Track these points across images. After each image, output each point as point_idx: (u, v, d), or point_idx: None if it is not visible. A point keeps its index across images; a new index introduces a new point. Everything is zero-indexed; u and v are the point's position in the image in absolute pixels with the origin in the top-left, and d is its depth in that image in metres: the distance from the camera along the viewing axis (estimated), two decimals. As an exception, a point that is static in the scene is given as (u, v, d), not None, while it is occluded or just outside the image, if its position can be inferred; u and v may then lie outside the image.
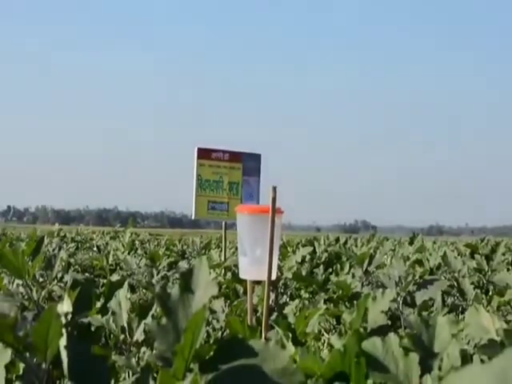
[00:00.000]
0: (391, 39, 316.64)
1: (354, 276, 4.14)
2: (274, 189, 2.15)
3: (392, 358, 1.24)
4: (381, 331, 1.71)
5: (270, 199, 2.14)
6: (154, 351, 1.12)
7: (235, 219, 2.47)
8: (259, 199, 5.31)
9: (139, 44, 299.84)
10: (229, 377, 0.99)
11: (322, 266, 4.41)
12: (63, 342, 1.15)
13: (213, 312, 3.11)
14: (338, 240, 7.90)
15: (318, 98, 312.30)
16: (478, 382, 0.53)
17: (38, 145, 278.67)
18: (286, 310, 3.00)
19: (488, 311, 1.93)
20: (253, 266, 2.34)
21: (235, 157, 5.27)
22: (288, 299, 4.04)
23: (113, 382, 1.19)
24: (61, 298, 2.78)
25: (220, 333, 3.04)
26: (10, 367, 1.67)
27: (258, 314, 3.02)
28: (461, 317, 3.24)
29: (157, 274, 4.50)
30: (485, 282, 4.28)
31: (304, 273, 4.25)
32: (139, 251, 7.67)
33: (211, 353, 1.03)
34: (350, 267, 4.31)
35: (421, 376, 1.21)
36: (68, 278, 3.13)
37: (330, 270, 4.27)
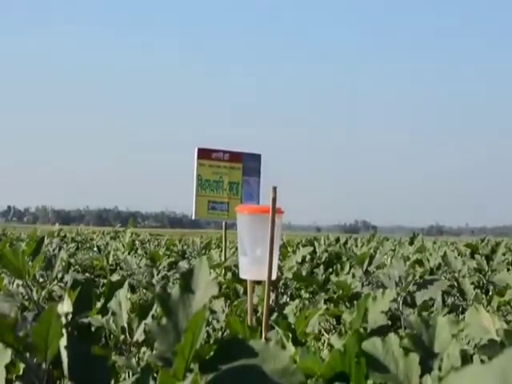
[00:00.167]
0: (390, 40, 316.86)
1: (354, 276, 4.14)
2: (274, 189, 2.15)
3: (392, 358, 1.24)
4: (381, 331, 1.71)
5: (270, 199, 2.14)
6: (154, 351, 1.12)
7: (235, 219, 2.47)
8: (259, 199, 5.31)
9: (139, 44, 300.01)
10: (229, 377, 0.99)
11: (322, 266, 4.41)
12: (63, 342, 1.15)
13: (213, 312, 3.12)
14: (338, 240, 7.90)
15: (318, 97, 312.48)
16: (478, 382, 0.53)
17: (38, 145, 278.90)
18: (286, 310, 3.00)
19: (488, 311, 1.93)
20: (253, 265, 2.34)
21: (235, 157, 5.27)
22: (288, 299, 4.04)
23: (113, 382, 1.19)
24: (61, 298, 2.78)
25: (220, 333, 3.04)
26: (10, 367, 1.67)
27: (258, 314, 3.02)
28: (461, 317, 3.24)
29: (157, 274, 4.50)
30: (485, 282, 4.28)
31: (304, 273, 4.26)
32: (139, 251, 7.66)
33: (211, 353, 1.04)
34: (350, 267, 4.31)
35: (421, 376, 1.21)
36: (68, 278, 3.13)
37: (330, 270, 4.27)
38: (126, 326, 2.15)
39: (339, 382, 1.27)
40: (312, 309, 2.33)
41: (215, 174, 5.17)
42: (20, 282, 2.84)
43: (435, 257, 4.90)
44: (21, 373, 1.71)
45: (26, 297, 2.58)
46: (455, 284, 3.71)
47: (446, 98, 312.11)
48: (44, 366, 1.19)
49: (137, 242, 9.40)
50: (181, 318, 1.11)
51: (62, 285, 3.12)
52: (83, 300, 1.99)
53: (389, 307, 2.63)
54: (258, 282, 3.19)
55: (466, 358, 1.71)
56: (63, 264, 3.83)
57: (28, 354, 1.20)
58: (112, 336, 2.35)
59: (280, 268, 4.05)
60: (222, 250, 5.24)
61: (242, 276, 2.44)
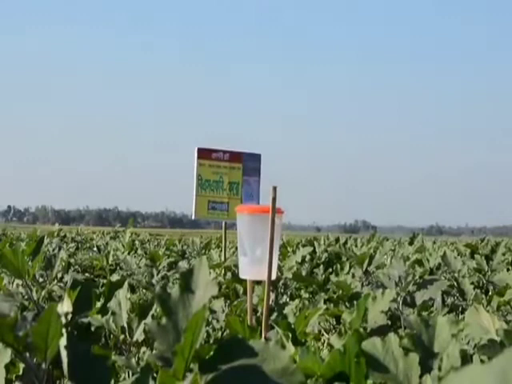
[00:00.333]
0: (391, 41, 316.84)
1: (353, 276, 4.14)
2: (274, 189, 2.15)
3: (392, 358, 1.24)
4: (381, 331, 1.71)
5: (270, 199, 2.14)
6: (154, 351, 1.12)
7: (235, 219, 2.47)
8: (259, 199, 5.31)
9: (140, 44, 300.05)
10: (229, 377, 0.99)
11: (321, 266, 4.41)
12: (63, 342, 1.15)
13: (213, 312, 3.12)
14: (337, 240, 7.89)
15: (318, 97, 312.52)
16: (477, 382, 0.53)
17: (38, 145, 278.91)
18: (286, 310, 3.00)
19: (488, 311, 1.93)
20: (253, 265, 2.34)
21: (235, 157, 5.27)
22: (288, 299, 4.04)
23: (113, 382, 1.19)
24: (61, 298, 2.78)
25: (220, 333, 3.04)
26: (9, 367, 1.68)
27: (257, 314, 3.02)
28: (461, 317, 3.24)
29: (157, 274, 4.50)
30: (485, 282, 4.28)
31: (304, 273, 4.26)
32: (139, 251, 7.66)
33: (211, 353, 1.03)
34: (350, 267, 4.31)
35: (421, 376, 1.21)
36: (68, 278, 3.13)
37: (330, 270, 4.27)
38: (125, 325, 2.15)
39: (339, 382, 1.27)
40: (312, 309, 2.33)
41: (215, 174, 5.17)
42: (20, 282, 2.84)
43: (435, 257, 4.90)
44: (20, 373, 1.71)
45: (26, 297, 2.58)
46: (455, 284, 3.71)
47: (446, 98, 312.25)
48: (44, 365, 1.19)
49: (137, 242, 9.40)
50: (180, 317, 1.11)
51: (62, 285, 3.12)
52: (83, 300, 1.99)
53: (388, 307, 2.63)
54: (258, 282, 3.19)
55: (466, 358, 1.71)
56: (63, 264, 3.83)
57: (28, 354, 1.20)
58: (112, 336, 2.35)
59: (280, 268, 4.05)
60: (221, 250, 5.24)
61: (242, 276, 2.44)
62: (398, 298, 3.09)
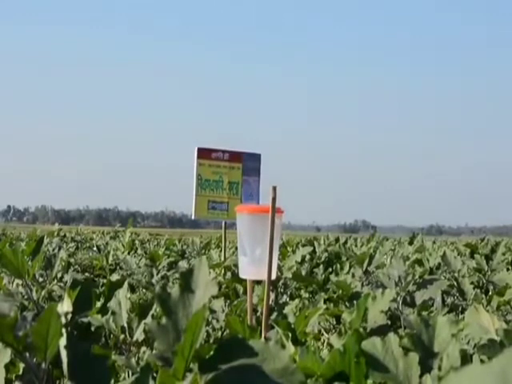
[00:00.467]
0: (391, 41, 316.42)
1: (353, 276, 4.14)
2: (274, 189, 2.14)
3: (392, 357, 1.24)
4: (381, 331, 1.71)
5: (270, 199, 2.14)
6: (154, 351, 1.12)
7: (235, 219, 2.47)
8: (259, 199, 5.31)
9: (140, 44, 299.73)
10: (229, 377, 0.99)
11: (321, 266, 4.41)
12: (63, 341, 1.15)
13: (213, 312, 3.11)
14: (337, 240, 7.90)
15: (318, 97, 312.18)
16: (477, 381, 0.53)
17: (38, 144, 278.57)
18: (286, 310, 3.00)
19: (488, 311, 1.93)
20: (253, 265, 2.34)
21: (235, 156, 5.27)
22: (288, 299, 4.04)
23: (113, 381, 1.18)
24: (61, 297, 2.78)
25: (220, 332, 3.04)
26: (9, 367, 1.68)
27: (257, 314, 3.02)
28: (461, 317, 3.24)
29: (157, 274, 4.50)
30: (484, 281, 4.28)
31: (304, 272, 4.26)
32: (139, 251, 7.66)
33: (211, 352, 1.03)
34: (350, 267, 4.31)
35: (420, 376, 1.21)
36: (68, 277, 3.13)
37: (330, 269, 4.27)
38: (125, 325, 2.15)
39: (339, 382, 1.27)
40: (312, 308, 2.33)
41: (215, 174, 5.17)
42: (20, 282, 2.84)
43: (435, 256, 4.90)
44: (20, 372, 1.71)
45: (26, 296, 2.58)
46: (455, 284, 3.71)
47: (446, 98, 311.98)
48: (44, 365, 1.19)
49: (136, 242, 9.40)
50: (180, 317, 1.11)
51: (62, 284, 3.12)
52: (83, 300, 1.99)
53: (388, 307, 2.63)
54: (258, 282, 3.19)
55: (466, 358, 1.71)
56: (63, 264, 3.83)
57: (28, 354, 1.20)
58: (112, 335, 2.35)
59: (280, 268, 4.05)
60: (221, 250, 5.24)
61: (242, 276, 2.44)
62: (398, 298, 3.09)
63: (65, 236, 11.59)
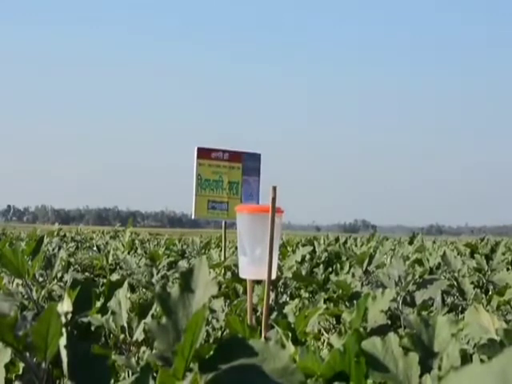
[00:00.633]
0: (391, 41, 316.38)
1: (353, 275, 4.14)
2: (274, 188, 2.14)
3: (392, 357, 1.24)
4: (380, 331, 1.71)
5: (270, 199, 2.14)
6: (154, 351, 1.12)
7: (235, 219, 2.47)
8: (259, 199, 5.31)
9: (140, 44, 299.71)
10: (229, 376, 0.99)
11: (321, 266, 4.41)
12: (63, 341, 1.15)
13: (213, 311, 3.11)
14: (337, 239, 7.90)
15: (318, 97, 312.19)
16: (477, 381, 0.53)
17: (38, 144, 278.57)
18: (286, 310, 3.00)
19: (488, 311, 1.93)
20: (253, 265, 2.34)
21: (235, 156, 5.27)
22: (288, 299, 4.04)
23: (113, 381, 1.18)
24: (61, 297, 2.78)
25: (220, 332, 3.04)
26: (9, 367, 1.68)
27: (257, 314, 3.02)
28: (460, 316, 3.24)
29: (157, 274, 4.50)
30: (484, 281, 4.28)
31: (304, 272, 4.25)
32: (139, 251, 7.66)
33: (211, 352, 1.03)
34: (350, 267, 4.31)
35: (420, 376, 1.21)
36: (68, 277, 3.13)
37: (330, 269, 4.27)
38: (125, 325, 2.15)
39: (339, 382, 1.27)
40: (312, 308, 2.33)
41: (215, 174, 5.17)
42: (20, 282, 2.84)
43: (435, 256, 4.90)
44: (20, 372, 1.71)
45: (26, 296, 2.58)
46: (455, 283, 3.71)
47: (446, 98, 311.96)
48: (44, 365, 1.19)
49: (136, 242, 9.40)
50: (180, 317, 1.11)
51: (62, 284, 3.12)
52: (83, 299, 1.99)
53: (388, 307, 2.63)
54: (258, 282, 3.19)
55: (466, 358, 1.71)
56: (63, 263, 3.83)
57: (28, 354, 1.20)
58: (112, 335, 2.35)
59: (280, 267, 4.05)
60: (221, 250, 5.24)
61: (242, 275, 2.44)
62: (398, 298, 3.09)
63: (65, 236, 11.60)
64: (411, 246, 6.78)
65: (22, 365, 1.70)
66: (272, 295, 3.76)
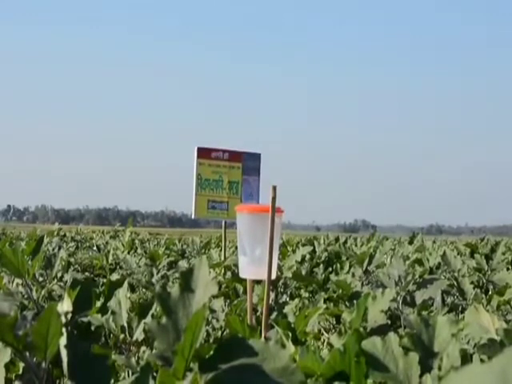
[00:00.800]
0: (391, 41, 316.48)
1: (353, 275, 4.14)
2: (274, 188, 2.14)
3: (392, 357, 1.24)
4: (381, 331, 1.71)
5: (270, 198, 2.14)
6: (154, 350, 1.12)
7: (235, 218, 2.47)
8: (259, 198, 5.31)
9: (140, 44, 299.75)
10: (229, 376, 0.99)
11: (321, 266, 4.41)
12: (63, 341, 1.15)
13: (213, 311, 3.11)
14: (337, 239, 7.90)
15: (318, 97, 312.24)
16: (477, 381, 0.53)
17: (38, 144, 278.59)
18: (286, 310, 3.00)
19: (488, 311, 1.93)
20: (253, 265, 2.34)
21: (235, 156, 5.27)
22: (288, 298, 4.04)
23: (113, 381, 1.18)
24: (61, 297, 2.78)
25: (220, 332, 3.04)
26: (9, 366, 1.68)
27: (257, 314, 3.02)
28: (461, 316, 3.24)
29: (157, 274, 4.50)
30: (484, 281, 4.28)
31: (304, 272, 4.25)
32: (139, 250, 7.66)
33: (211, 352, 1.03)
34: (350, 266, 4.31)
35: (420, 376, 1.21)
36: (68, 277, 3.13)
37: (330, 269, 4.27)
38: (125, 325, 2.15)
39: (339, 382, 1.27)
40: (312, 308, 2.33)
41: (215, 174, 5.17)
42: (20, 281, 2.84)
43: (435, 256, 4.90)
44: (20, 372, 1.71)
45: (26, 296, 2.58)
46: (455, 283, 3.71)
47: (446, 98, 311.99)
48: (44, 365, 1.19)
49: (136, 242, 9.40)
50: (180, 317, 1.11)
51: (62, 284, 3.12)
52: (83, 299, 1.99)
53: (388, 306, 2.63)
54: (258, 282, 3.19)
55: (466, 358, 1.71)
56: (63, 263, 3.83)
57: (28, 353, 1.20)
58: (112, 335, 2.35)
59: (280, 267, 4.05)
60: (221, 250, 5.24)
61: (242, 275, 2.44)
62: (398, 298, 3.09)
63: (65, 235, 11.60)
64: (411, 245, 6.79)
65: (21, 364, 1.70)
66: (272, 295, 3.76)
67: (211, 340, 2.92)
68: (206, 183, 5.13)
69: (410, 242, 7.30)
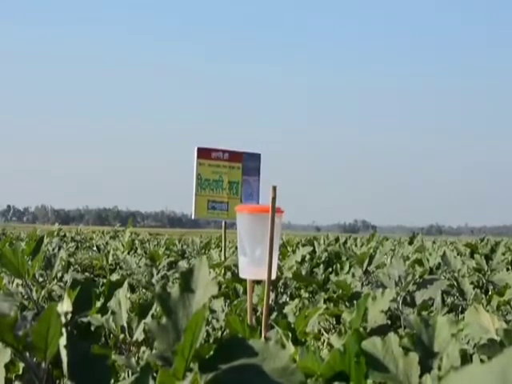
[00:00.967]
0: (391, 41, 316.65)
1: (353, 276, 4.14)
2: (274, 188, 2.14)
3: (392, 357, 1.24)
4: (381, 331, 1.71)
5: (270, 199, 2.14)
6: (154, 351, 1.12)
7: (235, 219, 2.47)
8: (259, 199, 5.31)
9: (140, 44, 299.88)
10: (229, 376, 0.99)
11: (321, 266, 4.41)
12: (63, 341, 1.15)
13: (213, 311, 3.11)
14: (337, 240, 7.90)
15: (318, 97, 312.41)
16: (477, 381, 0.53)
17: (38, 144, 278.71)
18: (286, 310, 3.00)
19: (488, 311, 1.93)
20: (253, 265, 2.34)
21: (235, 156, 5.27)
22: (288, 299, 4.04)
23: (113, 381, 1.18)
24: (61, 297, 2.78)
25: (220, 332, 3.04)
26: (9, 366, 1.68)
27: (257, 314, 3.02)
28: (460, 316, 3.24)
29: (157, 274, 4.50)
30: (484, 281, 4.28)
31: (304, 272, 4.25)
32: (139, 251, 7.66)
33: (211, 352, 1.03)
34: (350, 267, 4.31)
35: (420, 376, 1.21)
36: (68, 277, 3.13)
37: (330, 269, 4.27)
38: (125, 325, 2.15)
39: (339, 382, 1.27)
40: (312, 308, 2.33)
41: (215, 174, 5.17)
42: (20, 282, 2.84)
43: (435, 256, 4.90)
44: (20, 372, 1.71)
45: (26, 296, 2.58)
46: (455, 284, 3.71)
47: (446, 98, 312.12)
48: (44, 365, 1.19)
49: (136, 242, 9.40)
50: (180, 317, 1.11)
51: (62, 284, 3.12)
52: (83, 299, 1.99)
53: (388, 307, 2.63)
54: (258, 282, 3.19)
55: (466, 358, 1.71)
56: (63, 263, 3.83)
57: (28, 354, 1.20)
58: (112, 335, 2.35)
59: (280, 267, 4.05)
60: (221, 250, 5.24)
61: (242, 275, 2.44)
62: (398, 298, 3.09)
63: (65, 236, 11.60)
64: (411, 246, 6.79)
65: (22, 365, 1.71)
66: (272, 295, 3.77)
67: (211, 340, 2.92)
68: (205, 183, 5.13)
69: (410, 243, 7.30)
